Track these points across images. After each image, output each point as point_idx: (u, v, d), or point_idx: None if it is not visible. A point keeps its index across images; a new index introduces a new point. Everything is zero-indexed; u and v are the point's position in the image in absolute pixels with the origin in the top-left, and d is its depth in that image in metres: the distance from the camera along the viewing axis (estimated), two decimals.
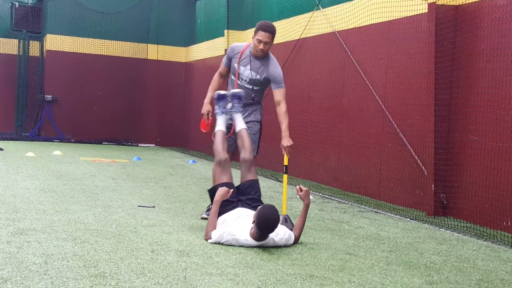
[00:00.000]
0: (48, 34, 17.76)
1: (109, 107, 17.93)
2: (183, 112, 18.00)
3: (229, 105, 5.99)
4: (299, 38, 10.98)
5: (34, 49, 18.72)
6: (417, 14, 7.78)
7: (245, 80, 6.24)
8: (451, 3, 7.19)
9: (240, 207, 5.29)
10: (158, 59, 18.64)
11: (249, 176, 5.54)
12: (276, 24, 12.15)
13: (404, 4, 8.00)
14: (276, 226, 4.89)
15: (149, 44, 18.56)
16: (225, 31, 14.15)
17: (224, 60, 6.44)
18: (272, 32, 6.09)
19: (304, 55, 10.92)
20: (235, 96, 5.99)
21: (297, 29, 11.12)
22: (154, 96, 18.30)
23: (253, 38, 6.13)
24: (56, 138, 17.41)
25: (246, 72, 6.21)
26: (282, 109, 6.12)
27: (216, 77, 6.53)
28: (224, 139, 5.80)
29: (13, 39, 18.64)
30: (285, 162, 5.95)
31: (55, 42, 17.72)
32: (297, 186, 5.42)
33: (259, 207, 4.96)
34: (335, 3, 9.89)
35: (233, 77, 6.33)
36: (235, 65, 6.25)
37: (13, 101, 18.53)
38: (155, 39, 18.60)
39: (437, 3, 7.22)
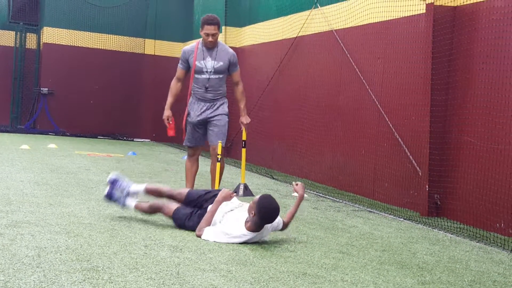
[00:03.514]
0: (45, 27, 17.70)
1: (105, 101, 17.89)
2: (179, 108, 17.94)
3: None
4: (296, 36, 10.98)
5: (31, 41, 18.67)
6: (415, 15, 7.79)
7: (211, 72, 6.78)
8: (449, 4, 7.20)
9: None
10: (155, 54, 18.61)
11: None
12: (274, 21, 12.22)
13: (402, 4, 8.01)
14: (278, 214, 5.01)
15: (146, 39, 18.54)
16: (223, 27, 14.13)
17: (180, 64, 7.01)
18: (216, 23, 6.74)
19: (301, 53, 10.91)
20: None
21: (294, 27, 11.12)
22: (151, 91, 18.24)
23: (200, 32, 6.75)
24: (51, 131, 17.37)
25: (209, 63, 6.73)
26: (240, 89, 7.05)
27: (173, 83, 7.21)
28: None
29: (10, 31, 18.57)
30: (244, 138, 6.70)
31: (52, 35, 17.67)
32: (294, 182, 5.60)
33: (258, 197, 4.99)
34: (333, 1, 9.89)
35: (196, 75, 6.85)
36: (196, 62, 6.75)
37: (8, 93, 18.46)
38: (152, 34, 18.57)
39: (435, 3, 7.22)
